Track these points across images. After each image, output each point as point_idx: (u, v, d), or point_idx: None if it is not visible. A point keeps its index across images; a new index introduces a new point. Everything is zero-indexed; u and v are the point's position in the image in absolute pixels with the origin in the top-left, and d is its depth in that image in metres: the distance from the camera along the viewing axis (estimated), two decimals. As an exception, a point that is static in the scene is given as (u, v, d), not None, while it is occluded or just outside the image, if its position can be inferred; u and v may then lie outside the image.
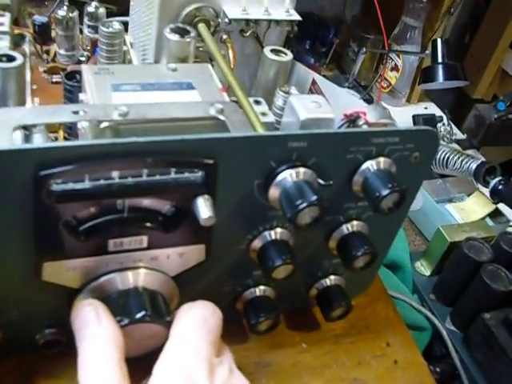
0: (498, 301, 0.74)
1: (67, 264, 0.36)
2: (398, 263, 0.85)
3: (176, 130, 0.36)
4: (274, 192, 0.36)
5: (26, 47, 0.62)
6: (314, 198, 0.35)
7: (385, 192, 0.37)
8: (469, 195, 1.05)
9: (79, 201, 0.33)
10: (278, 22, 0.56)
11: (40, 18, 0.64)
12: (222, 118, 0.36)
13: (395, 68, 1.33)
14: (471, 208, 1.01)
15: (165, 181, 0.34)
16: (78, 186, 0.32)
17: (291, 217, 0.35)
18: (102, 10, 0.62)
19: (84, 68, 0.40)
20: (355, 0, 1.50)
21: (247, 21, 0.55)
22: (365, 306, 0.52)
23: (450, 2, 1.24)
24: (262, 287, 0.45)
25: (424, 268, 0.87)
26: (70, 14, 0.58)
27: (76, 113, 0.33)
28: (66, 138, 0.51)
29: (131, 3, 0.67)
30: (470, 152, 1.16)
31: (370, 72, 1.40)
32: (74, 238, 0.35)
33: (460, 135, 1.29)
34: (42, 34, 0.63)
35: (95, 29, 0.62)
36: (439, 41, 1.13)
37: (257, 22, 0.56)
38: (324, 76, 1.34)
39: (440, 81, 1.11)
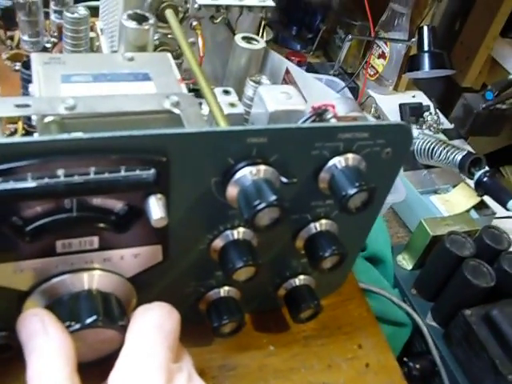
0: (479, 297, 0.72)
1: (13, 266, 0.34)
2: (379, 256, 0.83)
3: (128, 124, 0.33)
4: (232, 190, 0.34)
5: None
6: (273, 198, 0.32)
7: (352, 191, 0.35)
8: (454, 187, 1.03)
9: (22, 201, 0.31)
10: (250, 8, 0.54)
11: (3, 2, 0.61)
12: (176, 111, 0.34)
13: (382, 55, 1.30)
14: (456, 200, 0.99)
15: (114, 179, 0.32)
16: (21, 184, 0.30)
17: (248, 218, 0.33)
18: (68, -6, 0.59)
19: (33, 57, 0.37)
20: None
21: (218, 6, 0.53)
22: (337, 305, 0.50)
23: (438, -12, 1.21)
24: (226, 288, 0.43)
25: (406, 262, 0.85)
26: (33, -1, 0.56)
27: (20, 106, 0.31)
28: (26, 130, 0.49)
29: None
30: (456, 142, 1.14)
31: (357, 59, 1.37)
32: (20, 239, 0.33)
33: (448, 125, 1.27)
34: (6, 19, 0.60)
35: (62, 14, 0.59)
36: (425, 28, 1.10)
37: (228, 7, 0.53)
38: (310, 63, 1.32)
39: (426, 69, 1.09)
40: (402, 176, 0.99)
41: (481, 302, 0.72)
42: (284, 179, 0.36)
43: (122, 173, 0.32)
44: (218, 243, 0.38)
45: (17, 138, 0.29)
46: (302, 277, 0.45)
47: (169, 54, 0.41)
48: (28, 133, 0.50)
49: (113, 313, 0.36)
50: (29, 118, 0.48)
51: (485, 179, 0.88)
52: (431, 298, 0.80)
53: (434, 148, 1.01)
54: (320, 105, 0.40)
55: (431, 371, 0.75)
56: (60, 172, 0.31)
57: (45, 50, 0.59)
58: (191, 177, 0.34)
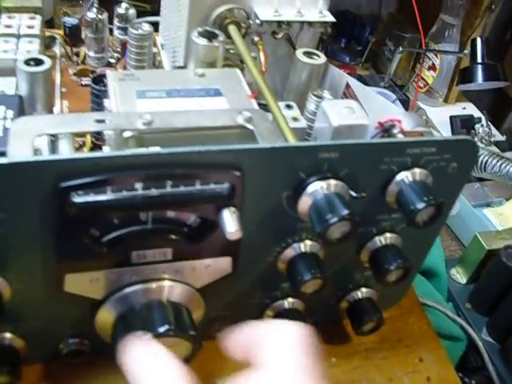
0: (537, 312, 0.71)
1: (89, 275, 0.35)
2: (433, 270, 0.82)
3: (202, 139, 0.34)
4: (303, 204, 0.35)
5: (57, 49, 0.61)
6: (346, 212, 0.33)
7: (420, 206, 0.36)
8: (507, 200, 1.01)
9: (101, 212, 0.32)
10: (310, 23, 0.55)
11: (70, 20, 0.63)
12: (250, 126, 0.35)
13: (432, 67, 1.29)
14: (510, 213, 0.98)
15: (190, 192, 0.33)
16: (100, 197, 0.31)
17: (321, 232, 0.33)
18: (132, 11, 0.61)
19: (109, 74, 0.39)
20: (392, -3, 1.47)
21: (279, 22, 0.54)
22: (397, 318, 0.50)
23: (490, -1, 1.20)
24: (290, 299, 0.44)
25: (460, 276, 0.84)
26: (100, 16, 0.58)
27: (100, 121, 0.32)
28: (93, 144, 0.51)
29: (162, 2, 0.66)
30: (508, 154, 1.12)
31: (407, 71, 1.37)
32: (97, 250, 0.34)
33: (499, 136, 1.26)
34: (73, 36, 0.63)
35: (125, 30, 0.61)
36: (479, 40, 1.09)
37: (289, 23, 0.54)
38: (359, 75, 1.32)
39: (479, 81, 1.08)
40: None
41: (539, 318, 0.71)
42: (353, 193, 0.36)
43: (197, 186, 0.33)
44: (286, 255, 0.39)
45: (100, 153, 0.30)
46: (364, 289, 0.46)
47: (238, 70, 0.42)
48: (96, 146, 0.51)
49: (184, 322, 0.37)
50: (97, 132, 0.49)
51: (541, 192, 0.86)
52: (486, 313, 0.79)
53: (486, 161, 0.99)
54: (386, 120, 0.40)
55: (487, 387, 0.74)
56: (138, 185, 0.32)
57: (109, 65, 0.61)
58: (263, 191, 0.35)
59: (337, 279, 0.44)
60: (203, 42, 0.45)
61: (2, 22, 0.57)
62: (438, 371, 0.47)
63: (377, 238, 0.41)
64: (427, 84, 1.30)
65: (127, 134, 0.32)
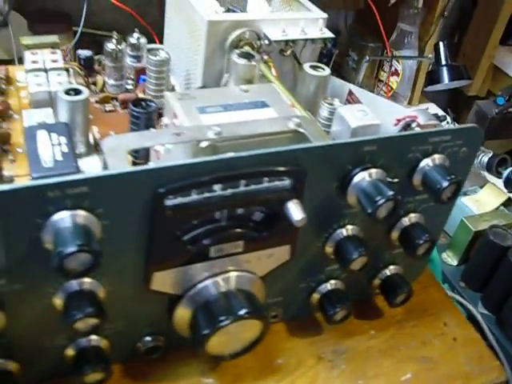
0: (527, 281, 0.79)
1: (173, 272, 0.40)
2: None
3: (264, 143, 0.40)
4: (351, 192, 0.41)
5: (72, 80, 0.66)
6: (391, 193, 0.40)
7: (445, 184, 0.42)
8: (481, 187, 1.10)
9: (189, 213, 0.38)
10: (313, 40, 0.61)
11: (84, 52, 0.68)
12: (301, 130, 0.41)
13: (395, 73, 1.38)
14: (485, 199, 1.06)
15: (259, 189, 0.39)
16: (187, 199, 0.37)
17: (372, 212, 0.40)
18: (143, 40, 0.66)
19: (168, 95, 0.44)
20: (348, 11, 1.56)
21: (286, 41, 0.60)
22: (419, 292, 0.56)
23: (442, 6, 1.30)
24: (332, 281, 0.50)
25: (451, 258, 0.92)
26: (119, 47, 0.63)
27: (177, 135, 0.38)
28: (133, 162, 0.55)
29: (165, 33, 0.72)
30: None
31: (371, 79, 1.45)
32: (182, 248, 0.39)
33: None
34: (87, 67, 0.68)
35: (137, 58, 0.67)
36: (441, 44, 1.19)
37: (295, 41, 0.61)
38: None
39: (446, 82, 1.17)
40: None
41: (529, 286, 0.79)
42: (389, 179, 0.42)
43: (265, 184, 0.39)
44: (333, 239, 0.45)
45: (193, 160, 0.35)
46: (392, 267, 0.52)
47: (274, 85, 0.49)
48: (135, 164, 0.56)
49: (256, 305, 0.42)
50: (136, 151, 0.54)
51: (513, 176, 0.95)
52: (479, 289, 0.86)
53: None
54: (404, 117, 0.47)
55: (489, 355, 0.81)
56: (216, 187, 0.37)
57: (127, 91, 0.66)
58: (318, 183, 0.41)
59: (371, 259, 0.50)
60: (243, 61, 0.51)
61: (27, 58, 0.62)
62: (461, 332, 0.54)
63: (404, 219, 0.48)
64: (392, 89, 1.39)
65: (204, 144, 0.38)
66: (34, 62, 0.61)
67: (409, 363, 0.50)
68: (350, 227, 0.45)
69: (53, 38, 0.66)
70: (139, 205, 0.36)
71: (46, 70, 0.60)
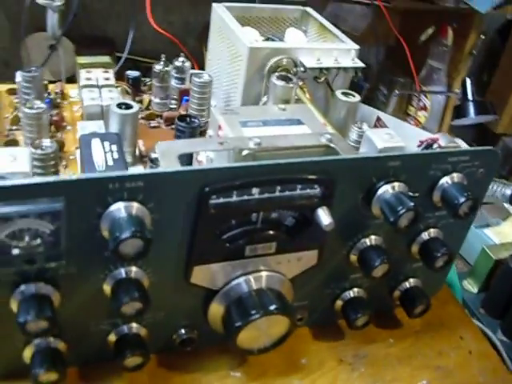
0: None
1: (211, 268, 0.45)
2: (448, 282, 0.92)
3: (298, 155, 0.45)
4: (376, 203, 0.45)
5: (120, 97, 0.72)
6: (412, 204, 0.43)
7: (462, 199, 0.46)
8: (504, 219, 1.13)
9: (229, 212, 0.42)
10: (345, 69, 0.66)
11: (133, 73, 0.74)
12: (332, 145, 0.45)
13: (424, 108, 1.43)
14: (507, 231, 1.09)
15: (293, 195, 0.43)
16: (229, 199, 0.41)
17: (394, 221, 0.44)
18: (187, 64, 0.72)
19: (214, 110, 0.49)
20: (379, 47, 1.62)
21: (321, 69, 0.65)
22: (437, 307, 0.59)
23: (471, 45, 1.35)
24: (355, 289, 0.53)
25: (471, 286, 0.94)
26: (166, 68, 0.69)
27: (222, 143, 0.43)
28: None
29: (208, 59, 0.78)
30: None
31: (399, 113, 1.50)
32: (221, 245, 0.44)
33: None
34: (136, 86, 0.74)
35: (181, 80, 0.72)
36: (468, 80, 1.23)
37: (328, 69, 0.65)
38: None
39: (472, 116, 1.21)
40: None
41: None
42: (410, 193, 0.46)
43: (298, 191, 0.43)
44: (357, 248, 0.49)
45: (237, 164, 0.40)
46: (412, 280, 0.55)
47: (309, 105, 0.53)
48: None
49: (285, 303, 0.46)
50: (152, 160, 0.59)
51: (536, 209, 0.98)
52: (499, 316, 0.88)
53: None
54: (426, 139, 0.51)
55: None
56: (255, 190, 0.42)
57: (171, 110, 0.71)
58: (345, 193, 0.45)
59: (392, 271, 0.54)
60: (282, 83, 0.56)
61: (82, 76, 0.68)
62: (477, 346, 0.57)
63: (423, 234, 0.52)
64: (420, 123, 1.43)
65: (245, 152, 0.43)
66: (88, 78, 0.67)
67: (425, 371, 0.53)
68: (373, 237, 0.49)
69: (105, 59, 0.72)
70: (186, 202, 0.40)
71: (98, 87, 0.66)
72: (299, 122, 0.49)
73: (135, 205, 0.38)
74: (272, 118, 0.49)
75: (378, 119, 0.65)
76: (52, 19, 1.09)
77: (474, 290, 0.94)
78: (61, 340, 0.44)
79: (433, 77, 1.38)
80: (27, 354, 0.44)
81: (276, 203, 0.43)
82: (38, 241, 0.37)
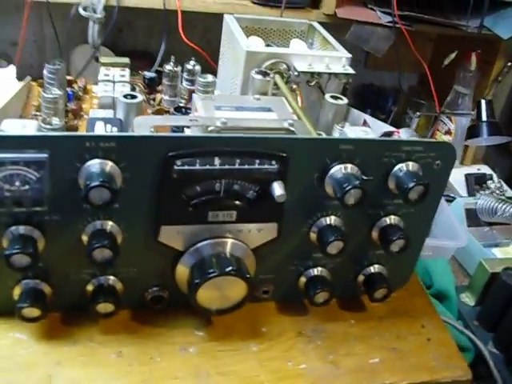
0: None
1: (177, 229, 0.50)
2: (445, 293, 0.95)
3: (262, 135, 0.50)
4: (328, 182, 0.50)
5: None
6: (357, 182, 0.48)
7: (411, 184, 0.50)
8: (515, 241, 1.14)
9: (191, 179, 0.48)
10: (336, 74, 0.72)
11: (149, 74, 0.82)
12: (292, 129, 0.51)
13: (448, 132, 1.45)
14: (516, 252, 1.10)
15: (251, 169, 0.48)
16: (191, 167, 0.47)
17: (340, 196, 0.48)
18: (197, 67, 0.79)
19: (195, 96, 0.56)
20: (412, 73, 1.66)
21: (312, 73, 0.71)
22: (404, 297, 0.63)
23: (497, 71, 1.37)
24: (319, 268, 0.58)
25: (469, 299, 0.96)
26: (175, 69, 0.76)
27: (193, 120, 0.49)
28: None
29: (219, 64, 0.85)
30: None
31: (426, 137, 1.53)
32: (185, 208, 0.49)
33: (511, 193, 1.39)
34: (150, 86, 0.81)
35: (191, 82, 0.79)
36: (483, 101, 1.25)
37: (319, 74, 0.71)
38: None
39: (484, 136, 1.23)
40: (464, 226, 1.11)
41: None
42: (364, 177, 0.51)
43: (256, 165, 0.49)
44: (316, 226, 0.54)
45: (199, 134, 0.46)
46: (376, 266, 0.59)
47: (283, 98, 0.59)
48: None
49: (243, 268, 0.51)
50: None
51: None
52: (492, 329, 0.90)
53: (496, 206, 1.13)
54: (388, 131, 0.56)
55: (493, 392, 0.85)
56: (216, 161, 0.48)
57: (179, 107, 0.78)
58: (300, 172, 0.50)
59: (354, 256, 0.58)
60: (259, 77, 0.62)
61: (101, 72, 0.76)
62: (437, 335, 0.60)
63: (383, 219, 0.56)
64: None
65: (211, 128, 0.49)
66: (106, 75, 0.75)
67: (380, 350, 0.57)
68: (332, 217, 0.54)
69: (125, 60, 0.80)
70: (154, 165, 0.46)
71: (113, 82, 0.74)
72: (269, 110, 0.55)
73: (109, 163, 0.45)
74: (245, 105, 0.55)
75: (365, 122, 0.70)
76: (93, 30, 1.20)
77: (471, 302, 0.95)
78: (46, 283, 0.51)
79: (458, 102, 1.40)
80: (16, 291, 0.50)
81: (236, 175, 0.49)
82: (26, 187, 0.44)
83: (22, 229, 0.47)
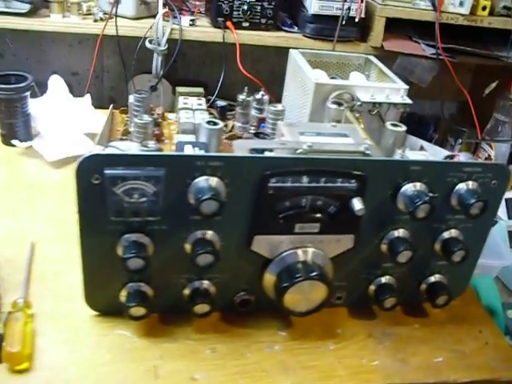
0: None
1: (268, 239, 0.58)
2: (492, 309, 1.00)
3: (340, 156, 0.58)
4: (400, 198, 0.57)
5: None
6: (427, 198, 0.55)
7: (472, 200, 0.57)
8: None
9: (283, 194, 0.55)
10: (395, 104, 0.79)
11: (221, 103, 0.90)
12: (368, 152, 0.58)
13: (488, 158, 1.51)
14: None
15: (333, 186, 0.56)
16: (283, 184, 0.55)
17: (412, 210, 0.55)
18: (266, 97, 0.87)
19: (280, 123, 0.64)
20: (452, 101, 1.73)
21: (374, 103, 0.78)
22: (461, 306, 0.69)
23: (536, 101, 1.43)
24: (387, 276, 0.64)
25: (515, 315, 1.01)
26: (247, 98, 0.84)
27: (282, 144, 0.57)
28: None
29: (284, 94, 0.93)
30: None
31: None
32: (276, 221, 0.57)
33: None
34: (222, 114, 0.90)
35: (260, 110, 0.87)
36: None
37: (380, 104, 0.78)
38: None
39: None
40: (507, 247, 1.16)
41: None
42: (430, 194, 0.58)
43: (339, 184, 0.56)
44: (388, 238, 0.60)
45: (292, 155, 0.54)
46: (437, 275, 0.66)
47: (356, 125, 0.67)
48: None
49: (325, 273, 0.58)
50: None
51: None
52: (539, 343, 0.95)
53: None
54: (449, 155, 0.63)
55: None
56: (305, 179, 0.55)
57: (257, 133, 0.86)
58: (375, 190, 0.57)
59: (418, 266, 0.65)
60: (334, 106, 0.70)
61: (180, 101, 0.84)
62: (494, 339, 0.66)
63: (445, 233, 0.62)
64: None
65: (299, 151, 0.56)
66: (185, 103, 0.83)
67: (443, 351, 0.63)
68: (401, 230, 0.61)
69: (199, 90, 0.89)
70: (252, 182, 0.54)
71: (193, 110, 0.82)
72: (345, 135, 0.63)
73: (215, 179, 0.53)
74: (324, 131, 0.62)
75: (421, 147, 0.77)
76: (157, 61, 1.30)
77: (518, 319, 1.01)
78: (149, 286, 0.58)
79: (498, 129, 1.47)
80: (123, 293, 0.58)
81: (321, 191, 0.56)
82: (143, 199, 0.52)
83: (135, 236, 0.55)
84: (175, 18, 1.29)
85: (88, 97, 1.10)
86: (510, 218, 1.41)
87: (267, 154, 0.56)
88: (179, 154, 0.52)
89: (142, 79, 1.59)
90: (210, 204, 0.51)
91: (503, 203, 1.46)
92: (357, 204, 0.55)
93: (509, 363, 0.63)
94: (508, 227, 1.23)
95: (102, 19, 1.27)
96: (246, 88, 0.85)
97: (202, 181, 0.52)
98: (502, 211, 1.45)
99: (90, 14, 1.31)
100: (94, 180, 0.50)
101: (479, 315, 0.70)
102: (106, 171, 0.50)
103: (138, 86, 1.50)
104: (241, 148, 0.56)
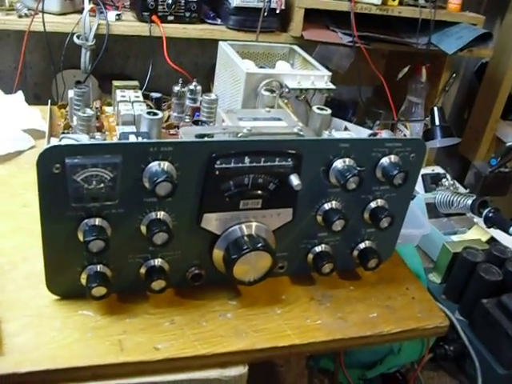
0: (492, 289, 0.98)
1: (216, 216, 0.63)
2: (416, 273, 1.09)
3: (278, 139, 0.64)
4: (332, 173, 0.64)
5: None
6: (356, 171, 0.62)
7: (395, 172, 0.65)
8: (469, 228, 1.30)
9: (228, 174, 0.61)
10: (320, 89, 0.86)
11: (155, 94, 0.94)
12: (301, 133, 0.64)
13: (404, 137, 1.62)
14: (472, 237, 1.26)
15: (273, 165, 0.62)
16: (228, 165, 0.60)
17: (344, 183, 0.62)
18: (199, 88, 0.92)
19: (219, 110, 0.69)
20: (368, 86, 1.84)
21: (301, 89, 0.85)
22: (389, 268, 0.77)
23: (444, 82, 1.55)
24: (323, 245, 0.71)
25: (436, 278, 1.12)
26: (182, 89, 0.89)
27: (225, 129, 0.62)
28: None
29: (215, 85, 0.98)
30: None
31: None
32: (223, 199, 0.62)
33: (462, 190, 1.56)
34: (157, 104, 0.94)
35: (194, 100, 0.92)
36: (435, 108, 1.43)
37: (307, 90, 0.85)
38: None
39: (438, 139, 1.41)
40: (427, 218, 1.27)
41: (494, 293, 0.98)
42: (358, 168, 0.65)
43: (277, 162, 0.62)
44: (322, 209, 0.67)
45: (234, 138, 0.59)
46: (367, 242, 0.73)
47: (287, 109, 0.73)
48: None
49: (269, 244, 0.64)
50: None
51: (490, 214, 1.16)
52: (457, 300, 1.05)
53: (451, 199, 1.30)
54: (372, 132, 0.70)
55: (462, 352, 0.99)
56: (246, 160, 0.61)
57: (197, 121, 0.91)
58: (309, 166, 0.64)
59: (350, 234, 0.72)
60: (267, 93, 0.76)
61: (118, 94, 0.87)
62: (419, 294, 0.74)
63: (372, 202, 0.70)
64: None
65: (240, 134, 0.62)
66: (123, 96, 0.87)
67: (376, 308, 0.71)
68: (334, 202, 0.68)
69: (134, 83, 0.92)
70: (200, 164, 0.59)
71: (131, 102, 0.86)
72: (279, 119, 0.69)
73: (166, 163, 0.57)
74: (261, 116, 0.68)
75: (346, 128, 0.84)
76: (85, 57, 1.31)
77: (438, 280, 1.11)
78: (108, 267, 0.62)
79: (412, 110, 1.58)
80: (83, 276, 0.62)
81: (261, 170, 0.62)
82: (102, 185, 0.56)
83: (94, 220, 0.59)
84: (102, 13, 1.31)
85: (20, 93, 1.10)
86: (426, 191, 1.53)
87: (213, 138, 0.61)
88: (134, 142, 0.56)
89: (68, 74, 1.59)
90: (164, 186, 0.56)
91: (420, 178, 1.57)
92: (294, 180, 0.62)
93: (432, 313, 0.72)
94: (426, 199, 1.35)
95: (26, 15, 1.27)
96: (180, 80, 0.89)
97: (155, 165, 0.57)
98: (419, 186, 1.56)
99: (12, 10, 1.30)
100: (55, 169, 0.54)
101: (405, 275, 0.78)
102: (67, 160, 0.53)
103: (63, 81, 1.50)
104: (187, 134, 0.61)
